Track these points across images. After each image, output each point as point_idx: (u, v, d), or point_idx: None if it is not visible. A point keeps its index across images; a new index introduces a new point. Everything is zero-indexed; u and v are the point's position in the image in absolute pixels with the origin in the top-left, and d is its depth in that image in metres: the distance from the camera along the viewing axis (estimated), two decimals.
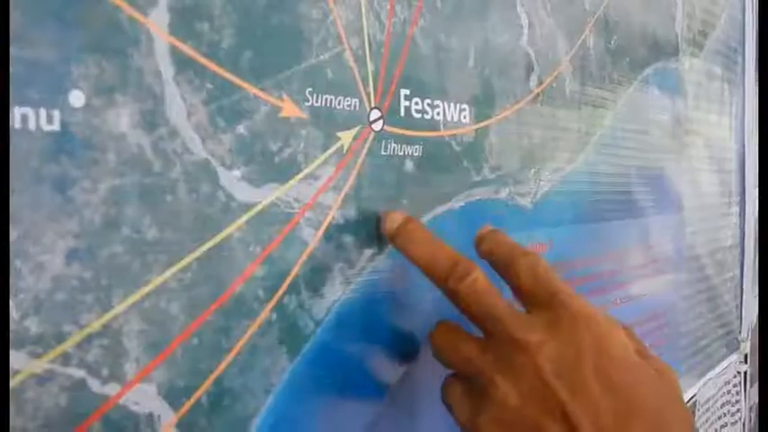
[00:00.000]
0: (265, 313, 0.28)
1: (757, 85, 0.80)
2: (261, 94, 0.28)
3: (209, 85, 0.26)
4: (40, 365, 0.22)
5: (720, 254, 0.76)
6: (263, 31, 0.28)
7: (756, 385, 0.89)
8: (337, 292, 0.31)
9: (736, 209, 0.80)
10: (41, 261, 0.22)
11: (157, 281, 0.25)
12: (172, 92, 0.25)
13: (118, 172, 0.24)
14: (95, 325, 0.23)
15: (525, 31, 0.44)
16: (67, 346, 0.22)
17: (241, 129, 0.27)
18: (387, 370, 0.34)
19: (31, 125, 0.21)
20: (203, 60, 0.26)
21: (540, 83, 0.46)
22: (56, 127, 0.22)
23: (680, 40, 0.65)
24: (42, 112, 0.22)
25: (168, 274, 0.25)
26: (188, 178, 0.26)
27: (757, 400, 0.89)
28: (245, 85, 0.27)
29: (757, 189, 0.88)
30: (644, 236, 0.59)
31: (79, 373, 0.23)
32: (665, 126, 0.62)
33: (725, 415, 0.79)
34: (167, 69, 0.25)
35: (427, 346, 0.35)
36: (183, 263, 0.26)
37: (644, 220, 0.59)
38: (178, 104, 0.25)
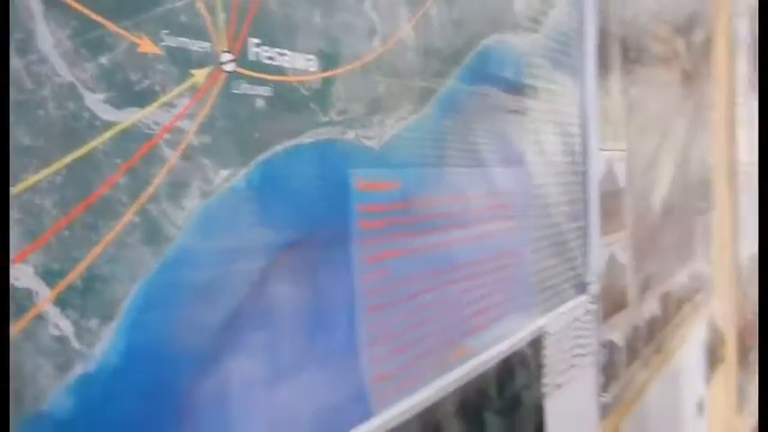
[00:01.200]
0: (129, 216, 0.34)
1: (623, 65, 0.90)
2: (121, 31, 0.34)
3: (73, 22, 0.32)
4: None
5: (567, 206, 0.87)
6: None
7: (609, 323, 1.01)
8: (196, 203, 0.37)
9: (580, 167, 0.91)
10: None
11: (31, 180, 0.30)
12: (41, 26, 0.30)
13: None
14: None
15: None
16: None
17: (103, 60, 0.33)
18: (245, 272, 0.40)
19: None
20: (68, 0, 0.31)
21: (384, 44, 0.53)
22: None
23: (519, 16, 0.74)
24: None
25: (41, 175, 0.30)
26: (56, 97, 0.31)
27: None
28: (106, 23, 0.33)
29: (608, 152, 1.00)
30: (489, 184, 0.68)
31: None
32: (505, 91, 0.71)
33: (578, 347, 0.90)
34: (37, 6, 0.30)
35: (283, 252, 0.42)
36: (54, 167, 0.31)
37: (488, 170, 0.68)
38: (47, 37, 0.31)
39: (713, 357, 1.83)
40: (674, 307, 1.43)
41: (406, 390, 0.54)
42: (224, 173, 0.39)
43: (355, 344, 0.49)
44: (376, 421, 0.50)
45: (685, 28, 1.46)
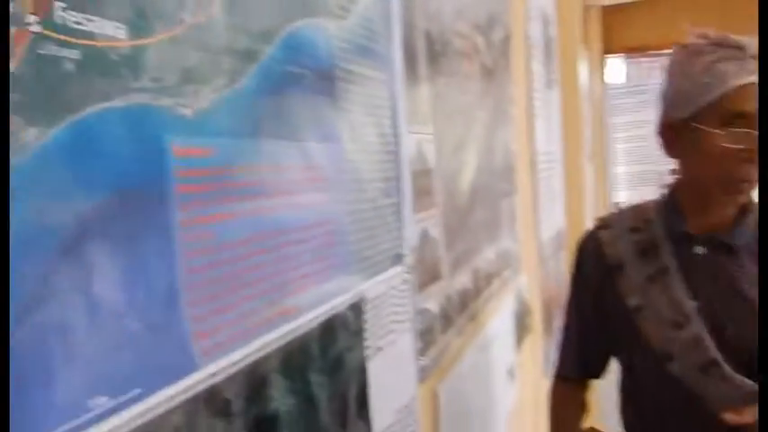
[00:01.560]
0: None
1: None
2: None
3: None
4: None
5: (381, 183, 0.94)
6: None
7: (425, 292, 1.10)
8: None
9: (392, 148, 0.98)
10: None
11: None
12: None
13: None
14: None
15: None
16: None
17: None
18: (56, 229, 0.41)
19: None
20: None
21: (194, 17, 0.55)
22: None
23: (329, 2, 0.79)
24: None
25: None
26: None
27: None
28: None
29: (417, 136, 1.09)
30: (305, 157, 0.72)
31: None
32: (319, 72, 0.76)
33: (395, 313, 0.97)
34: None
35: (98, 212, 0.43)
36: None
37: (303, 144, 0.72)
38: None
39: (522, 327, 2.03)
40: (484, 280, 1.57)
41: (231, 346, 0.57)
42: (33, 131, 0.40)
43: (177, 302, 0.51)
44: (200, 374, 0.53)
45: (485, 27, 1.61)
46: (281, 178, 0.68)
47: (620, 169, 4.72)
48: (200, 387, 0.53)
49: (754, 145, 0.98)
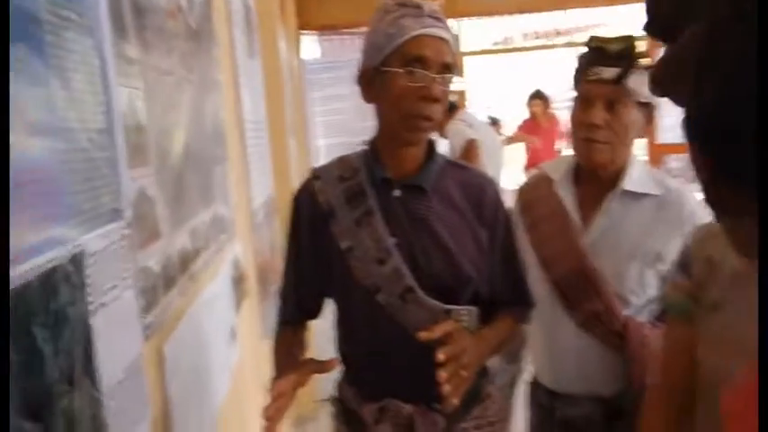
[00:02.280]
0: None
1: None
2: None
3: None
4: None
5: (95, 134, 0.90)
6: None
7: (145, 250, 1.08)
8: None
9: (102, 98, 0.94)
10: None
11: None
12: None
13: None
14: None
15: None
16: None
17: None
18: None
19: None
20: None
21: None
22: None
23: None
24: None
25: None
26: None
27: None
28: None
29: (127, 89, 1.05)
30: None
31: None
32: (17, 9, 0.71)
33: (117, 269, 0.94)
34: None
35: None
36: None
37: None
38: None
39: (240, 291, 2.08)
40: (202, 243, 1.58)
41: None
42: None
43: None
44: None
45: None
46: None
47: (321, 142, 5.00)
48: None
49: (431, 84, 1.17)
